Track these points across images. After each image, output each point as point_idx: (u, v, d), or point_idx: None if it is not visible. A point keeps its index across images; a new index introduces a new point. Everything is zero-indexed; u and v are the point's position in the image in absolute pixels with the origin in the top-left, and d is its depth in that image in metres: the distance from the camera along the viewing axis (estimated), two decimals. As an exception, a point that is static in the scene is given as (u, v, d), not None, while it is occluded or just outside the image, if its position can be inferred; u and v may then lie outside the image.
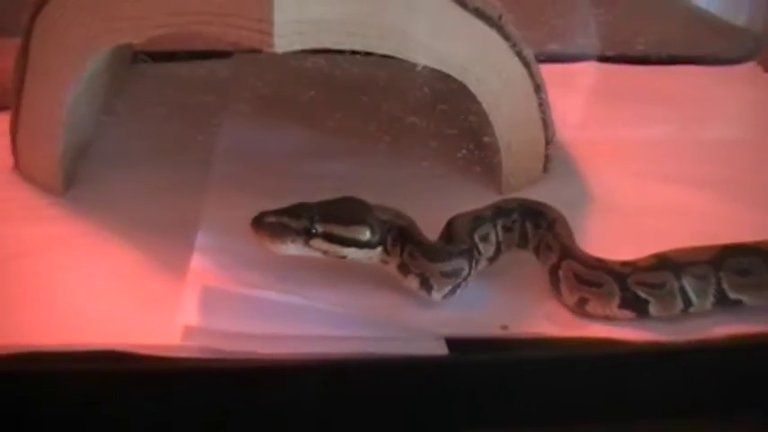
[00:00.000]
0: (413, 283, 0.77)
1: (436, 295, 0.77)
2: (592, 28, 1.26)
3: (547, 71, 0.94)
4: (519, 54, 0.91)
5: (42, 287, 0.79)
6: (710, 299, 0.77)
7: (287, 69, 1.15)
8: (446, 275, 0.76)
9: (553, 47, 1.18)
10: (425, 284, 0.76)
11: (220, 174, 0.94)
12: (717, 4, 1.45)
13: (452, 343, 0.73)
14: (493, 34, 0.88)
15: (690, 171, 0.99)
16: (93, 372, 0.70)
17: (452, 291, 0.77)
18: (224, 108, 1.08)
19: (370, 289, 0.79)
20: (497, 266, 0.81)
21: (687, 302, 0.76)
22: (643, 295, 0.76)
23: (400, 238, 0.77)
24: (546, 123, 0.95)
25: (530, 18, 1.04)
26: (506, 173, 0.93)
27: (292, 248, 0.75)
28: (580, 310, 0.77)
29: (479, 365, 0.72)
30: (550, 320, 0.77)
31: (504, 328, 0.75)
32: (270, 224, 0.75)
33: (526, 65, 0.92)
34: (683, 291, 0.76)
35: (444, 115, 1.05)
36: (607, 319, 0.76)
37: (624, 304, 0.76)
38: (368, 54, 0.90)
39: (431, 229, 0.79)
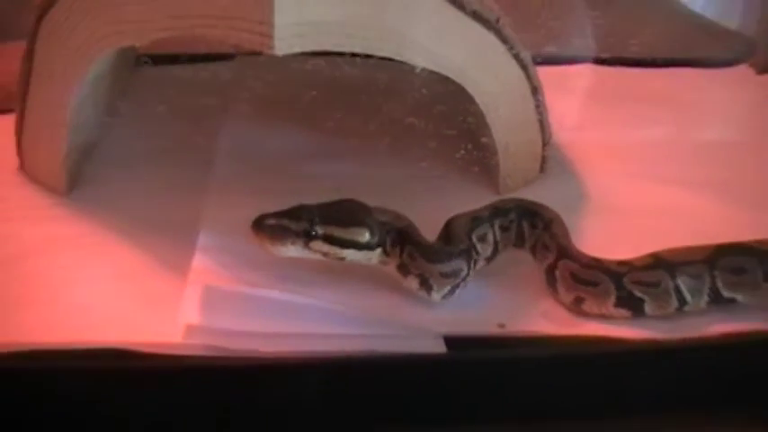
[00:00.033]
0: (412, 283, 0.77)
1: (436, 295, 0.77)
2: (588, 31, 1.25)
3: (544, 73, 0.95)
4: (516, 56, 0.91)
5: (46, 286, 0.79)
6: (705, 298, 0.77)
7: (288, 71, 1.15)
8: (445, 276, 0.77)
9: (550, 49, 1.18)
10: (425, 285, 0.77)
11: (222, 174, 0.95)
12: (710, 8, 1.46)
13: (451, 341, 0.74)
14: (490, 37, 0.89)
15: (684, 172, 0.99)
16: (96, 370, 0.70)
17: (451, 291, 0.77)
18: (225, 110, 1.08)
19: (371, 288, 0.79)
20: (494, 266, 0.82)
21: (682, 301, 0.76)
22: (638, 294, 0.76)
23: (399, 239, 0.77)
24: (543, 125, 0.95)
25: (527, 21, 1.04)
26: (504, 173, 0.94)
27: (292, 250, 0.76)
28: (576, 308, 0.77)
29: (477, 363, 0.73)
30: (547, 319, 0.77)
31: (502, 326, 0.76)
32: (270, 226, 0.75)
33: (523, 67, 0.92)
34: (677, 290, 0.76)
35: (443, 116, 1.05)
36: (603, 317, 0.77)
37: (620, 303, 0.76)
38: (367, 56, 0.89)
39: (429, 229, 0.79)
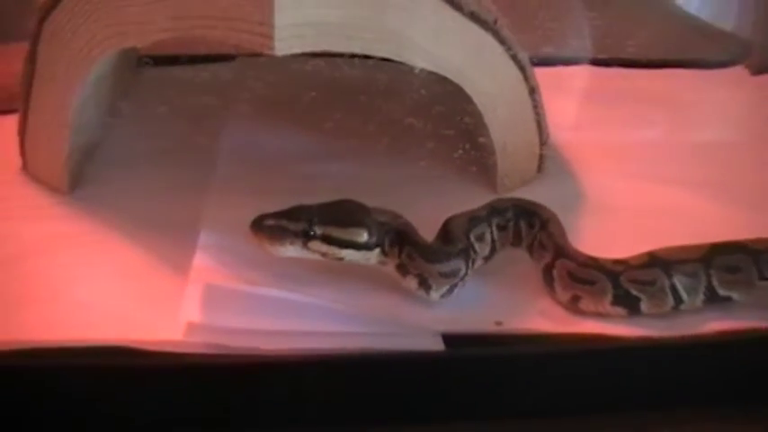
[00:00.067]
0: (411, 283, 0.77)
1: (434, 295, 0.77)
2: (585, 32, 1.25)
3: (541, 74, 0.95)
4: (514, 57, 0.91)
5: (47, 284, 0.80)
6: (701, 296, 0.77)
7: (288, 72, 1.15)
8: (444, 276, 0.77)
9: (547, 50, 1.18)
10: (424, 285, 0.77)
11: (223, 174, 0.95)
12: (706, 10, 1.46)
13: (449, 339, 0.74)
14: (488, 38, 0.89)
15: (681, 172, 1.00)
16: (97, 367, 0.70)
17: (450, 290, 0.77)
18: (226, 110, 1.08)
19: (370, 287, 0.79)
20: (492, 265, 0.82)
21: (678, 299, 0.77)
22: (635, 292, 0.76)
23: (398, 239, 0.77)
24: (540, 125, 0.96)
25: (524, 22, 1.04)
26: (501, 173, 0.94)
27: (291, 250, 0.76)
28: (573, 307, 0.78)
29: (475, 360, 0.73)
30: (544, 317, 0.77)
31: (499, 324, 0.76)
32: (269, 227, 0.75)
33: (521, 68, 0.92)
34: (673, 288, 0.76)
35: (441, 117, 1.05)
36: (600, 315, 0.77)
37: (616, 301, 0.76)
38: (367, 57, 0.90)
39: (428, 228, 0.80)
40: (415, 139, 1.03)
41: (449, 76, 0.88)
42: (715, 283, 0.77)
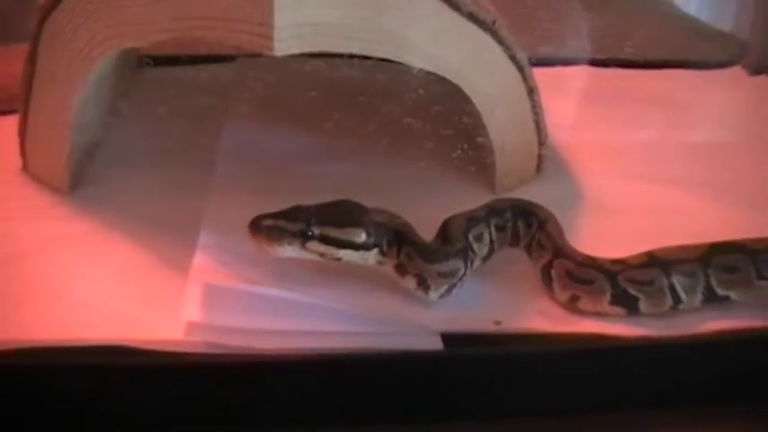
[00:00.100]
0: (410, 283, 0.77)
1: (433, 295, 0.77)
2: (583, 32, 1.25)
3: (540, 74, 0.95)
4: (512, 58, 0.91)
5: (48, 283, 0.80)
6: (699, 295, 0.77)
7: (287, 72, 1.15)
8: (443, 276, 0.77)
9: (546, 50, 1.18)
10: (423, 285, 0.77)
11: (222, 174, 0.95)
12: (705, 11, 1.46)
13: (447, 338, 0.74)
14: (487, 38, 0.89)
15: (679, 172, 1.00)
16: (97, 366, 0.70)
17: (449, 290, 0.78)
18: (226, 110, 1.08)
19: (369, 287, 0.79)
20: (490, 264, 0.82)
21: (676, 299, 0.77)
22: (633, 292, 0.76)
23: (396, 239, 0.78)
24: (539, 125, 0.96)
25: (523, 22, 1.05)
26: (500, 173, 0.94)
27: (289, 251, 0.76)
28: (572, 306, 0.78)
29: (473, 359, 0.73)
30: (543, 316, 0.77)
31: (498, 323, 0.76)
32: (267, 227, 0.75)
33: (519, 68, 0.92)
34: (672, 288, 0.77)
35: (440, 116, 1.05)
36: (598, 315, 0.77)
37: (615, 301, 0.77)
38: (366, 58, 0.90)
39: (427, 228, 0.80)
40: (414, 139, 1.03)
41: (447, 76, 0.88)
42: (713, 282, 0.78)
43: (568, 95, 1.19)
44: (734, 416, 0.73)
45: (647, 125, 1.11)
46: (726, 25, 1.40)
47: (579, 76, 1.24)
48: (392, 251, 0.78)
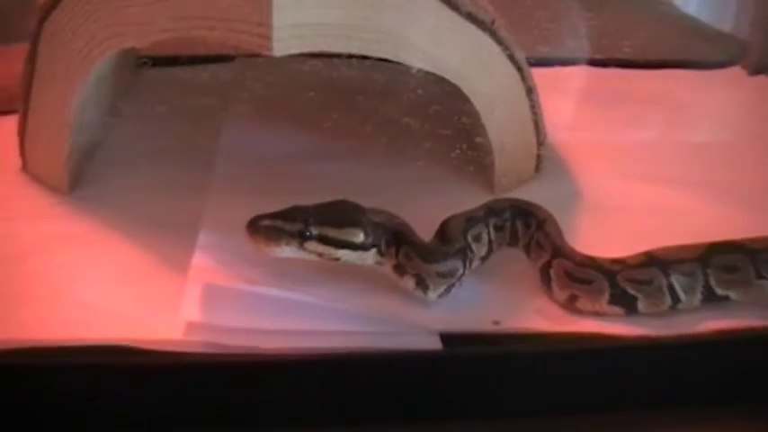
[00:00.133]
0: (409, 283, 0.77)
1: (432, 295, 0.77)
2: (582, 32, 1.25)
3: (538, 74, 0.96)
4: (511, 58, 0.91)
5: (47, 283, 0.80)
6: (698, 295, 0.77)
7: (286, 72, 1.15)
8: (442, 276, 0.77)
9: (544, 50, 1.18)
10: (421, 284, 0.77)
11: (221, 174, 0.95)
12: (705, 11, 1.46)
13: (446, 338, 0.74)
14: (486, 38, 0.89)
15: (678, 172, 1.00)
16: (96, 366, 0.70)
17: (447, 290, 0.78)
18: (225, 110, 1.08)
19: (368, 287, 0.79)
20: (489, 264, 0.82)
21: (675, 299, 0.77)
22: (632, 292, 0.76)
23: (394, 239, 0.78)
24: (538, 125, 0.96)
25: (521, 22, 1.05)
26: (499, 173, 0.94)
27: (287, 251, 0.76)
28: (570, 306, 0.78)
29: (472, 360, 0.73)
30: (541, 316, 0.78)
31: (497, 323, 0.76)
32: (265, 227, 0.75)
33: (518, 68, 0.92)
34: (671, 287, 0.77)
35: (438, 116, 1.05)
36: (597, 314, 0.77)
37: (613, 300, 0.77)
38: (364, 57, 0.90)
39: (425, 228, 0.80)
40: (413, 139, 1.03)
41: (446, 76, 0.88)
42: (712, 282, 0.78)
43: (567, 95, 1.18)
44: (733, 416, 0.73)
45: (647, 125, 1.12)
46: (725, 25, 1.40)
47: (578, 75, 1.25)
48: (390, 251, 0.78)
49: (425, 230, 0.80)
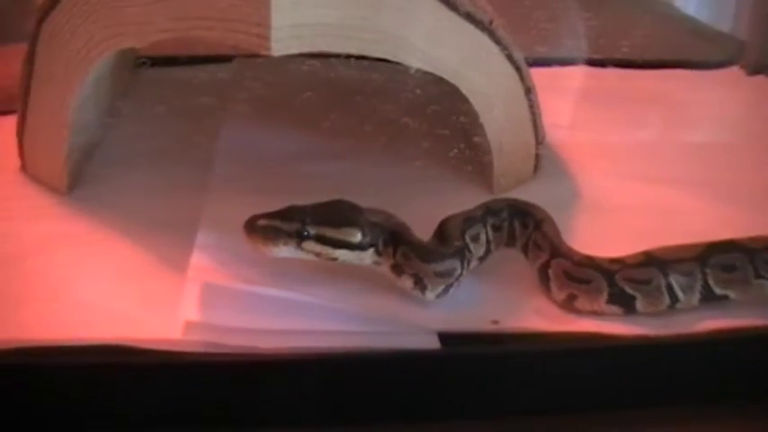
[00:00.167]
0: (407, 283, 0.77)
1: (430, 295, 0.77)
2: (580, 32, 1.25)
3: (537, 74, 0.96)
4: (510, 58, 0.91)
5: (46, 283, 0.80)
6: (697, 295, 0.77)
7: (285, 72, 1.15)
8: (440, 275, 0.77)
9: (543, 50, 1.18)
10: (419, 284, 0.77)
11: (220, 173, 0.95)
12: (703, 11, 1.47)
13: (445, 338, 0.74)
14: (484, 38, 0.89)
15: (676, 172, 1.00)
16: (96, 366, 0.70)
17: (445, 290, 0.78)
18: (224, 110, 1.08)
19: (367, 286, 0.79)
20: (487, 264, 0.82)
21: (674, 298, 0.77)
22: (630, 291, 0.76)
23: (392, 239, 0.77)
24: (536, 125, 0.96)
25: (520, 22, 1.05)
26: (497, 173, 0.94)
27: (285, 251, 0.76)
28: (569, 305, 0.78)
29: (471, 359, 0.73)
30: (540, 316, 0.78)
31: (495, 323, 0.76)
32: (262, 227, 0.75)
33: (517, 68, 0.92)
34: (669, 287, 0.77)
35: (437, 116, 1.06)
36: (595, 314, 0.77)
37: (612, 300, 0.77)
38: (363, 57, 0.90)
39: (423, 228, 0.80)
40: (411, 138, 1.03)
41: (445, 76, 0.88)
42: (711, 281, 0.78)
43: (566, 95, 1.19)
44: (731, 415, 0.73)
45: (645, 125, 1.12)
46: (724, 25, 1.41)
47: (576, 75, 1.25)
48: (388, 251, 0.78)
49: (423, 230, 0.80)
